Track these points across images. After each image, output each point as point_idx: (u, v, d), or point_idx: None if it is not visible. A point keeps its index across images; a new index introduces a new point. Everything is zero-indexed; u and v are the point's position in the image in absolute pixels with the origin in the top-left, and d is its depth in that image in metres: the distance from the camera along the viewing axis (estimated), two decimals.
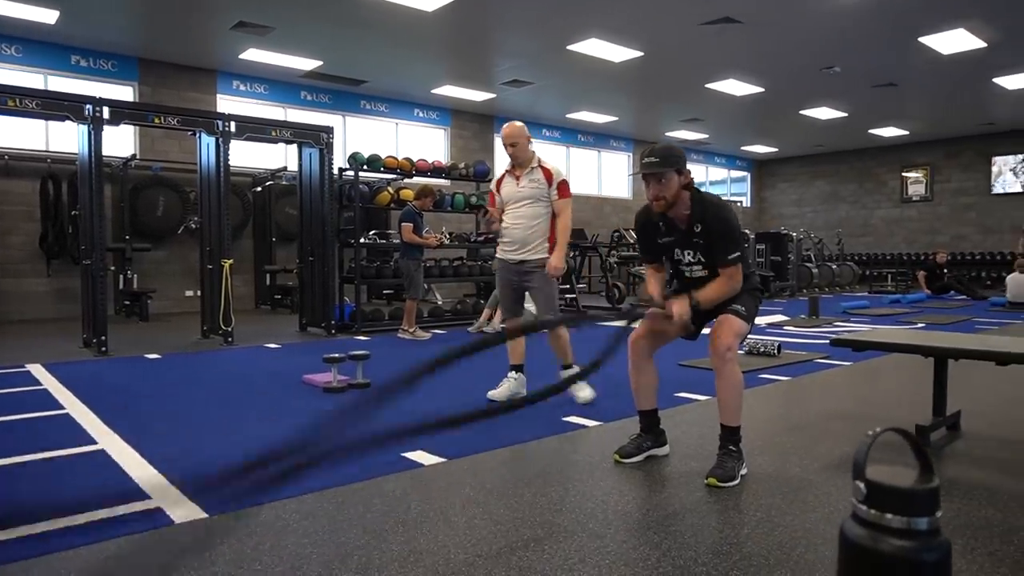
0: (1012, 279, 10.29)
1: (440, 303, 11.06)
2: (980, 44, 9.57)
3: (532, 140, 4.07)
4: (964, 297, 12.32)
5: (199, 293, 7.55)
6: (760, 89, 12.00)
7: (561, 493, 2.43)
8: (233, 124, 6.67)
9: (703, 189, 2.75)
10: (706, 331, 2.77)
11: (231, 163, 6.71)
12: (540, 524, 2.14)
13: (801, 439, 3.13)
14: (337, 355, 4.37)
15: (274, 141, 7.30)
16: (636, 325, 2.79)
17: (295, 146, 7.64)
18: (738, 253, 2.61)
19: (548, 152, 15.56)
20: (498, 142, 14.51)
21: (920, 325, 7.95)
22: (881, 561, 1.16)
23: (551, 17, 8.55)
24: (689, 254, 2.72)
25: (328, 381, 4.36)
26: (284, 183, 10.69)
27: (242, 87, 11.02)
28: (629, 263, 12.80)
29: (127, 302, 9.25)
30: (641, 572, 1.81)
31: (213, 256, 6.85)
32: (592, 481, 2.56)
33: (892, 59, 10.36)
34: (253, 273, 11.27)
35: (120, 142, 9.51)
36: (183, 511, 2.24)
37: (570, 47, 9.65)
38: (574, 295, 10.21)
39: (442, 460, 2.81)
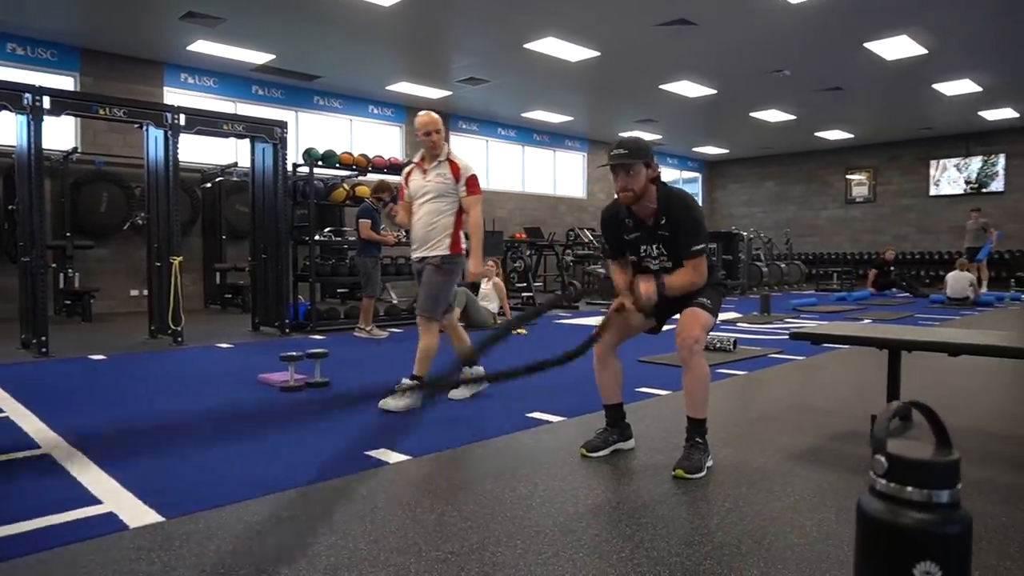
0: (952, 277, 10.72)
1: (395, 302, 10.94)
2: (921, 51, 9.94)
3: (444, 133, 3.88)
4: (906, 295, 12.79)
5: (145, 292, 7.30)
6: (712, 91, 12.23)
7: (530, 488, 2.41)
8: (183, 117, 6.45)
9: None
10: (668, 327, 2.79)
11: (180, 158, 6.49)
12: (511, 519, 2.12)
13: (762, 431, 3.19)
14: (294, 353, 4.27)
15: (226, 135, 7.09)
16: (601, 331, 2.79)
17: (247, 141, 7.44)
18: (703, 245, 2.62)
19: (504, 151, 15.57)
20: (455, 141, 14.49)
21: (867, 321, 8.20)
22: (901, 534, 1.14)
23: (509, 14, 8.54)
24: (654, 247, 2.73)
25: (285, 380, 4.25)
26: (234, 179, 10.42)
27: (190, 80, 10.70)
28: (585, 262, 12.90)
29: (68, 302, 8.87)
30: (616, 565, 1.81)
31: (161, 253, 6.62)
32: (560, 476, 2.55)
33: (839, 63, 10.68)
34: (202, 272, 10.96)
35: (60, 135, 9.12)
36: (138, 516, 2.14)
37: (527, 45, 9.66)
38: (531, 293, 10.22)
39: (407, 458, 2.76)
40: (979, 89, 12.26)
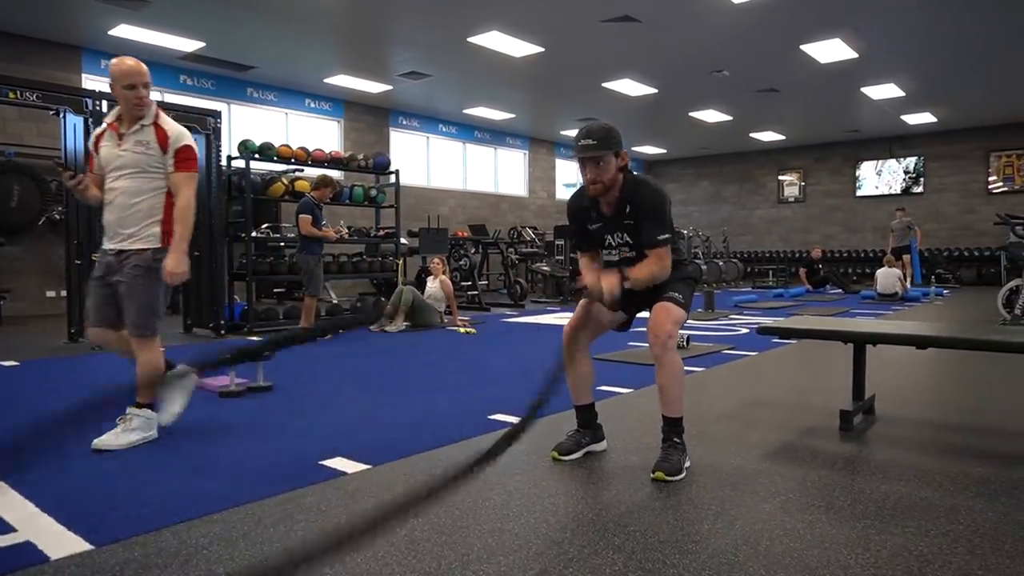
0: (881, 273, 11.10)
1: (336, 301, 10.59)
2: (853, 54, 10.25)
3: (151, 88, 2.95)
4: (838, 291, 13.20)
5: (64, 293, 6.76)
6: (654, 90, 12.32)
7: (504, 497, 2.24)
8: (105, 103, 6.00)
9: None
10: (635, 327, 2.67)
11: None
12: (489, 533, 1.95)
13: (731, 428, 3.11)
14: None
15: None
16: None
17: None
18: (667, 235, 2.51)
19: (444, 148, 15.32)
20: (395, 138, 14.20)
21: (808, 316, 8.38)
22: None
23: (453, 7, 8.34)
24: (617, 236, 2.61)
25: (225, 384, 3.95)
26: None
27: None
28: (529, 260, 12.81)
29: None
30: None
31: (82, 251, 6.14)
32: (535, 481, 2.39)
33: (776, 65, 10.91)
34: None
35: None
36: (62, 544, 1.87)
37: (471, 39, 9.47)
38: (477, 292, 10.05)
39: (366, 466, 2.55)
40: (903, 94, 12.76)
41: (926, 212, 16.95)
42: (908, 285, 11.71)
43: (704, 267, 14.94)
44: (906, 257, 12.78)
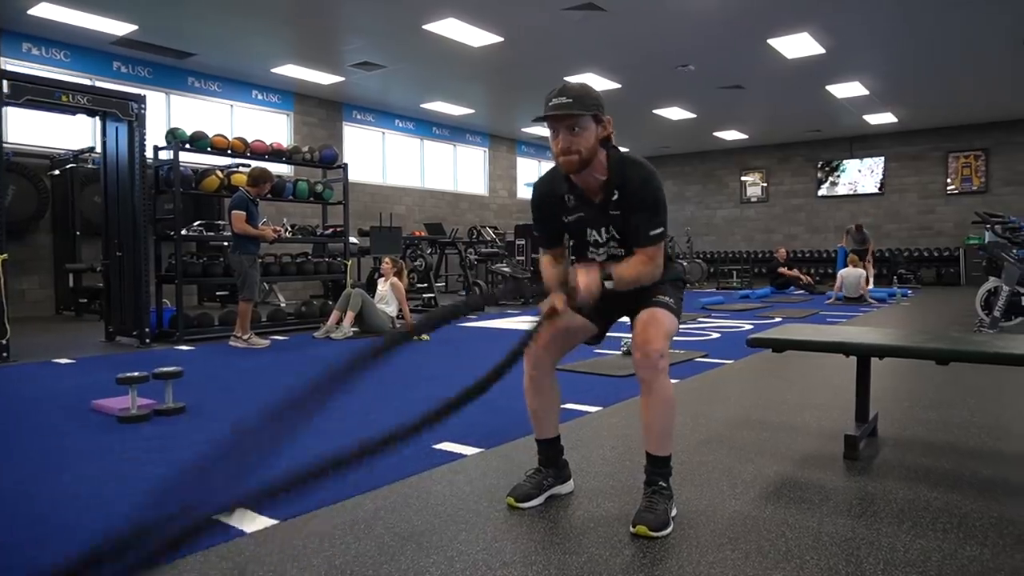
0: (847, 274, 10.86)
1: (283, 305, 9.95)
2: (820, 50, 10.00)
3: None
4: (802, 292, 12.98)
5: None
6: (617, 85, 11.92)
7: (445, 565, 1.73)
8: (6, 84, 5.30)
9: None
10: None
11: (19, 140, 5.36)
12: None
13: (720, 458, 2.65)
14: (137, 373, 3.38)
15: (69, 110, 5.95)
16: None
17: (99, 120, 6.31)
18: (662, 229, 2.03)
19: (401, 145, 14.72)
20: (349, 133, 13.54)
21: (778, 319, 8.06)
22: None
23: None
24: (603, 231, 2.11)
25: (125, 407, 3.36)
26: (91, 167, 9.07)
27: (35, 51, 9.23)
28: (489, 260, 12.31)
29: None
30: None
31: None
32: (485, 541, 1.89)
33: (742, 60, 10.60)
34: (53, 273, 9.53)
35: None
36: None
37: (426, 27, 8.93)
38: (433, 295, 9.51)
39: (272, 522, 2.01)
40: (866, 92, 12.62)
41: (886, 212, 16.97)
42: (871, 285, 11.50)
43: None
44: (868, 263, 12.56)
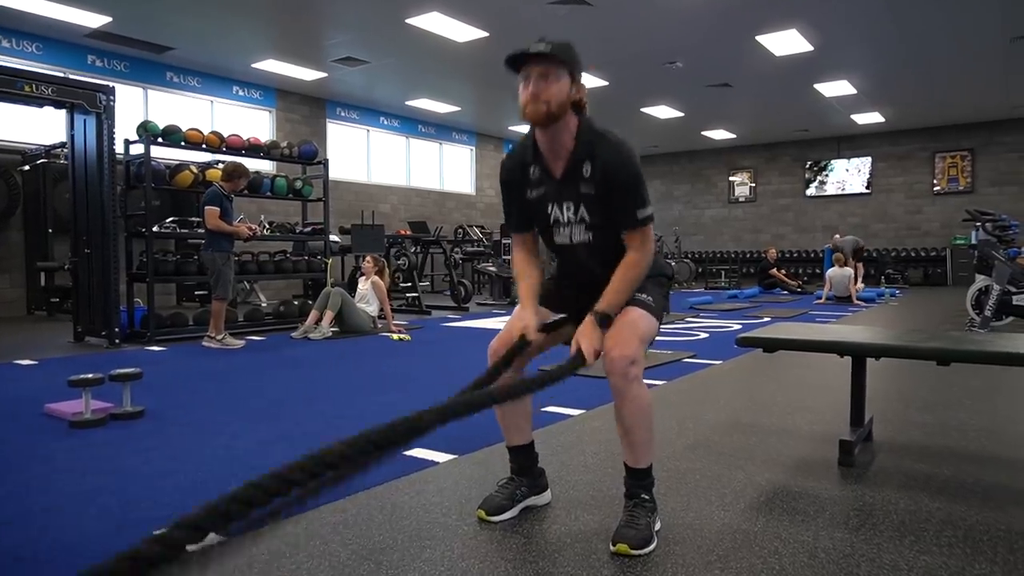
0: (835, 274, 10.76)
1: (264, 304, 9.73)
2: (808, 47, 9.90)
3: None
4: (787, 292, 12.88)
5: None
6: (604, 83, 11.78)
7: None
8: None
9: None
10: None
11: None
12: None
13: (707, 465, 2.49)
14: (91, 375, 3.18)
15: (34, 102, 5.73)
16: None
17: (66, 112, 6.08)
18: (650, 211, 1.86)
19: (386, 142, 14.51)
20: (333, 130, 13.31)
21: (767, 319, 7.94)
22: None
23: None
24: (569, 209, 1.90)
25: (78, 412, 3.16)
26: (63, 162, 8.81)
27: (5, 43, 8.96)
28: (475, 259, 12.13)
29: None
30: None
31: None
32: (451, 560, 1.72)
33: (730, 57, 10.49)
34: (24, 272, 9.26)
35: None
36: None
37: (410, 20, 8.74)
38: (417, 294, 9.33)
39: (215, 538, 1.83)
40: (854, 92, 12.55)
41: (874, 212, 16.94)
42: (861, 286, 11.43)
43: None
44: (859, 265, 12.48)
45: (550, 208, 1.92)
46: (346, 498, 2.12)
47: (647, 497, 1.84)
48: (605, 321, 1.80)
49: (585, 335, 1.79)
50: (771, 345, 2.61)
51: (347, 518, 1.99)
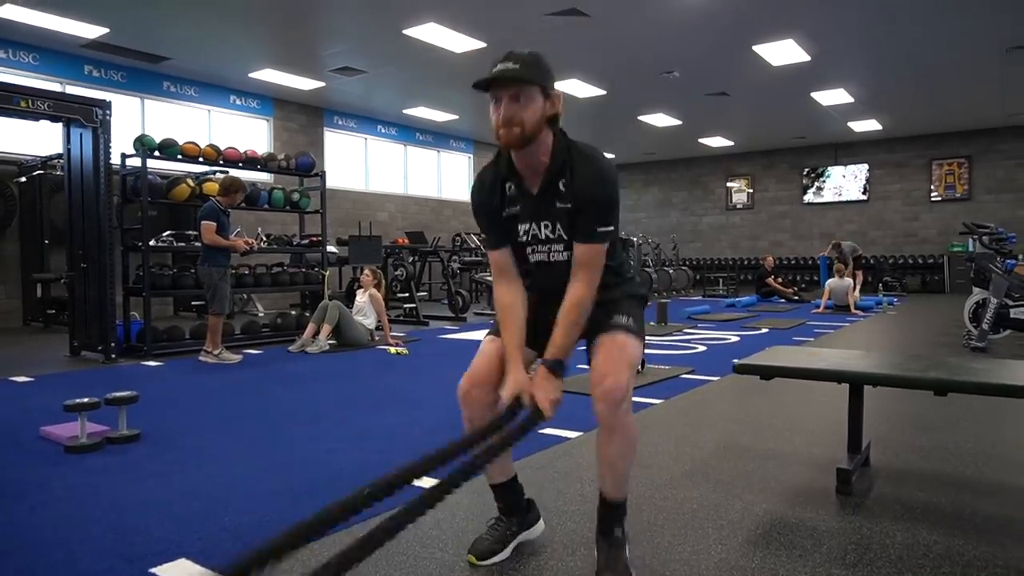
0: (834, 284, 10.78)
1: (261, 315, 9.72)
2: (805, 57, 9.92)
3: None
4: (784, 300, 12.87)
5: None
6: (602, 92, 11.81)
7: None
8: None
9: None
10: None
11: None
12: None
13: (704, 493, 2.48)
14: (87, 400, 3.16)
15: (30, 116, 5.72)
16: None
17: (63, 126, 6.07)
18: (613, 228, 1.79)
19: (384, 151, 14.52)
20: (331, 139, 13.32)
21: (764, 330, 7.93)
22: None
23: None
24: (547, 227, 1.83)
25: (74, 435, 3.15)
26: (59, 173, 8.79)
27: (1, 55, 8.96)
28: (473, 269, 12.13)
29: None
30: None
31: None
32: None
33: (727, 67, 10.51)
34: (20, 283, 9.24)
35: None
36: None
37: (407, 31, 8.75)
38: (414, 305, 9.32)
39: (207, 573, 1.82)
40: (851, 100, 12.58)
41: (871, 219, 16.96)
42: (858, 295, 11.44)
43: (655, 275, 14.50)
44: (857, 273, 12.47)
45: (528, 225, 1.86)
46: (332, 534, 2.11)
47: (620, 535, 1.79)
48: (558, 367, 1.77)
49: (540, 387, 1.74)
50: (768, 373, 2.61)
51: (330, 555, 1.97)
